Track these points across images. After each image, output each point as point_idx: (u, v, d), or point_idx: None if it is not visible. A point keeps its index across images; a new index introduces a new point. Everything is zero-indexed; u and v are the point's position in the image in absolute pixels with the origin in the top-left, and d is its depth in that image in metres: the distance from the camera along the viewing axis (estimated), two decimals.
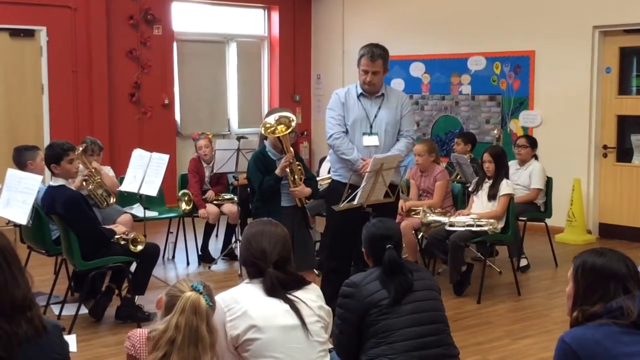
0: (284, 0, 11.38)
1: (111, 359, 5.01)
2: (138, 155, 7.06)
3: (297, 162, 5.33)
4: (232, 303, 3.03)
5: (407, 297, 3.47)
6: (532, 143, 7.64)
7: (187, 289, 2.68)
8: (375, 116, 5.39)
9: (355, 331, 3.48)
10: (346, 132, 5.37)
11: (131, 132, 9.91)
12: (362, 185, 5.05)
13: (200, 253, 7.70)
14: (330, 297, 3.32)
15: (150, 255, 5.76)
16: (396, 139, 5.46)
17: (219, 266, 7.59)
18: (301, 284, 3.18)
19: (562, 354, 2.54)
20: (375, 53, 5.31)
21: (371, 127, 5.38)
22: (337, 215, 5.24)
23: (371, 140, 5.36)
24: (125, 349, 2.82)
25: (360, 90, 5.41)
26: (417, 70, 10.41)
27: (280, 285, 3.09)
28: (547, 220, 7.53)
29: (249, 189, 5.60)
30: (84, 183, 6.52)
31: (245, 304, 3.02)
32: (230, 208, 7.61)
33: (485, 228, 6.27)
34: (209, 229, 7.68)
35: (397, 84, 10.53)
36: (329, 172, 6.58)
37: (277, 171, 5.17)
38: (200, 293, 2.67)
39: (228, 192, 7.86)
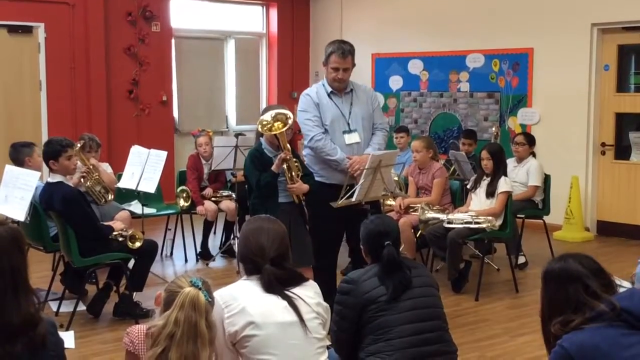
0: None
1: (109, 355, 5.01)
2: (136, 152, 7.05)
3: (294, 159, 5.32)
4: (230, 300, 3.03)
5: (406, 294, 3.48)
6: (530, 140, 7.64)
7: (186, 285, 2.68)
8: (350, 113, 5.37)
9: (353, 328, 3.48)
10: (325, 132, 5.33)
11: (129, 129, 9.90)
12: (360, 182, 5.05)
13: (199, 250, 7.69)
14: (322, 294, 3.32)
15: (148, 252, 5.75)
16: (372, 133, 5.46)
17: (217, 263, 7.59)
18: (299, 280, 3.18)
19: (559, 359, 2.52)
20: (345, 50, 5.29)
21: (349, 124, 5.36)
22: (321, 216, 5.26)
23: (352, 138, 5.34)
24: (124, 345, 2.82)
25: (329, 89, 5.38)
26: (415, 67, 10.41)
27: (278, 282, 3.09)
28: (545, 217, 7.53)
29: (246, 186, 5.60)
30: (82, 180, 6.50)
31: (243, 301, 3.02)
32: (229, 205, 7.61)
33: (484, 225, 6.27)
34: (207, 226, 7.68)
35: (395, 81, 10.54)
36: None
37: (273, 167, 5.17)
38: (200, 289, 2.68)
39: (226, 189, 7.87)
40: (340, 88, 5.39)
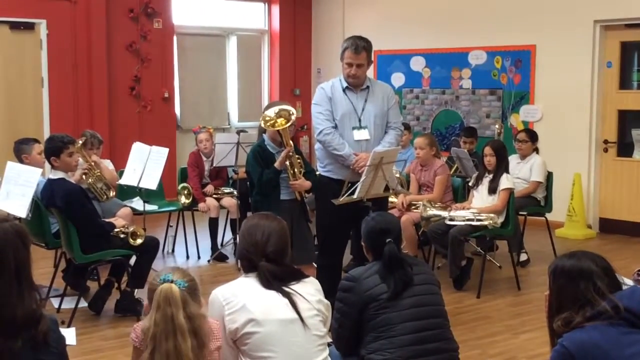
0: None
1: (110, 352, 5.00)
2: (138, 149, 7.05)
3: (297, 156, 5.31)
4: (231, 297, 3.02)
5: (407, 291, 3.47)
6: (533, 137, 7.62)
7: (158, 284, 2.70)
8: (363, 109, 5.32)
9: (354, 325, 3.47)
10: (335, 127, 5.29)
11: (131, 126, 9.90)
12: (361, 180, 5.04)
13: (211, 253, 7.51)
14: (325, 292, 3.31)
15: (150, 249, 5.74)
16: (384, 131, 5.43)
17: (219, 261, 7.55)
18: (298, 276, 3.16)
19: (560, 358, 2.52)
20: (359, 45, 5.24)
21: (360, 120, 5.31)
22: (328, 212, 5.22)
23: (362, 134, 5.29)
24: (131, 340, 2.82)
25: (345, 84, 5.34)
26: (417, 64, 10.39)
27: (275, 279, 3.08)
28: (547, 214, 7.52)
29: (248, 183, 5.59)
30: (84, 176, 6.50)
31: (243, 298, 3.02)
32: (230, 202, 7.60)
33: (485, 222, 6.26)
34: (214, 226, 7.58)
35: (398, 78, 10.53)
36: None
37: (277, 164, 5.16)
38: (171, 281, 2.67)
39: (228, 185, 7.86)
40: (356, 84, 5.33)
